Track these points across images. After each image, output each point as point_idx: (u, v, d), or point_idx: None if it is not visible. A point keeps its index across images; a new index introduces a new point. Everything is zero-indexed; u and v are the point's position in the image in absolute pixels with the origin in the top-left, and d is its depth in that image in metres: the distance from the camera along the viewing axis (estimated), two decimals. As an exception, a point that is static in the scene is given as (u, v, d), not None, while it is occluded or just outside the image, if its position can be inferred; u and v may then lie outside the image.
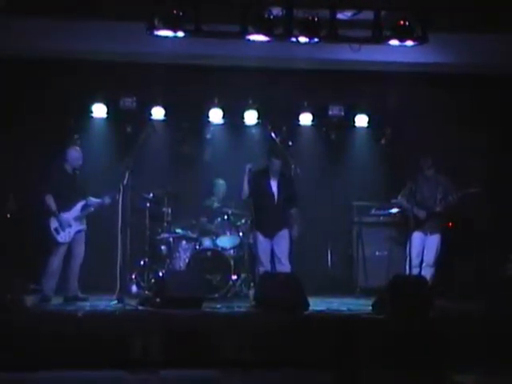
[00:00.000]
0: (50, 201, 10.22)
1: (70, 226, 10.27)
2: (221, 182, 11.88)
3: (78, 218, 10.33)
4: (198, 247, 11.33)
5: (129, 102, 12.04)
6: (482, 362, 7.95)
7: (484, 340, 8.23)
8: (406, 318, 8.67)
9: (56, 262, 10.26)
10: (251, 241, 11.40)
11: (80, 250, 10.41)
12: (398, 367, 7.90)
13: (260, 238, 10.44)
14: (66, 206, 10.30)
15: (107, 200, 10.49)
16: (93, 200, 10.46)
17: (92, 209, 10.45)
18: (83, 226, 10.37)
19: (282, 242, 10.47)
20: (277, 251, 10.45)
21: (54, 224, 10.22)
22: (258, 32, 9.50)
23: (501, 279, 10.75)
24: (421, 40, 9.72)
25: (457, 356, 8.07)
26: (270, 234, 10.46)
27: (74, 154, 10.53)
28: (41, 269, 10.28)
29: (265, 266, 10.41)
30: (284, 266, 10.36)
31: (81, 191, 10.43)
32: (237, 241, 11.48)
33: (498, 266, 11.00)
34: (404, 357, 8.00)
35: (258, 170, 10.59)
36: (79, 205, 10.38)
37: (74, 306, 9.69)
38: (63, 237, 10.26)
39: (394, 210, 11.76)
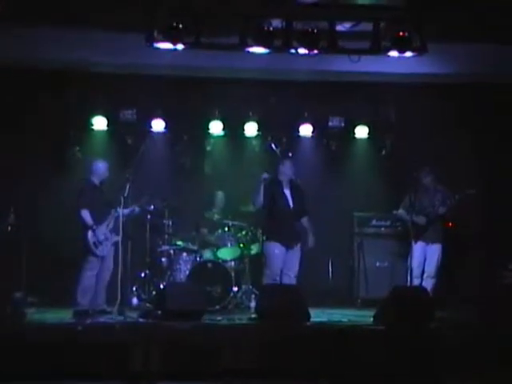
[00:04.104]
0: (86, 215, 10.20)
1: (107, 238, 10.27)
2: (220, 193, 11.88)
3: (112, 230, 10.30)
4: (198, 259, 11.33)
5: (129, 114, 12.04)
6: (482, 372, 7.94)
7: (484, 350, 8.21)
8: (407, 329, 8.66)
9: (91, 276, 10.23)
10: (252, 252, 11.43)
11: (111, 263, 10.37)
12: (399, 378, 7.89)
13: (275, 249, 10.32)
14: (100, 218, 10.29)
15: (137, 209, 10.52)
16: (124, 211, 10.28)
17: (124, 219, 10.31)
18: (118, 238, 10.22)
19: (294, 257, 10.40)
20: (287, 266, 10.38)
21: (92, 238, 10.18)
22: (257, 44, 9.51)
23: (499, 288, 10.75)
24: (420, 51, 9.73)
25: (457, 366, 8.05)
26: (288, 245, 10.37)
27: (101, 166, 10.51)
28: (74, 284, 10.26)
29: (275, 277, 10.33)
30: (291, 280, 10.32)
31: (110, 203, 10.36)
32: (237, 252, 11.48)
33: (496, 274, 11.00)
34: (405, 367, 8.00)
35: (270, 180, 10.56)
36: (111, 216, 10.33)
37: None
38: (102, 250, 10.24)
39: (395, 222, 11.78)
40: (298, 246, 10.44)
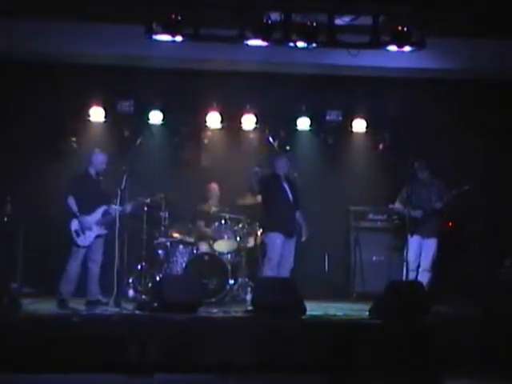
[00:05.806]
0: (72, 202, 10.12)
1: (90, 229, 10.18)
2: (215, 186, 11.87)
3: (99, 223, 10.23)
4: (195, 252, 11.32)
5: (126, 106, 12.03)
6: (477, 367, 7.95)
7: (480, 345, 8.23)
8: (403, 323, 8.67)
9: (75, 266, 10.18)
10: (249, 245, 11.43)
11: (99, 255, 10.34)
12: (394, 372, 7.90)
13: (277, 239, 10.40)
14: (87, 209, 10.20)
15: (129, 208, 10.46)
16: (115, 207, 10.24)
17: (114, 215, 10.21)
18: (104, 231, 10.22)
19: (291, 248, 10.51)
20: (284, 256, 10.44)
21: (74, 226, 10.11)
22: (256, 37, 9.49)
23: (495, 284, 10.78)
24: (419, 45, 9.73)
25: (452, 361, 8.07)
26: (289, 234, 10.46)
27: (99, 157, 10.40)
28: (58, 273, 10.22)
29: (273, 268, 10.38)
30: (287, 271, 10.40)
31: (104, 196, 10.29)
32: (234, 245, 11.47)
33: (492, 271, 11.03)
34: (400, 362, 8.00)
35: (269, 174, 10.65)
36: (101, 210, 10.26)
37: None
38: (83, 240, 10.17)
39: (392, 216, 11.79)
40: (295, 237, 10.54)
